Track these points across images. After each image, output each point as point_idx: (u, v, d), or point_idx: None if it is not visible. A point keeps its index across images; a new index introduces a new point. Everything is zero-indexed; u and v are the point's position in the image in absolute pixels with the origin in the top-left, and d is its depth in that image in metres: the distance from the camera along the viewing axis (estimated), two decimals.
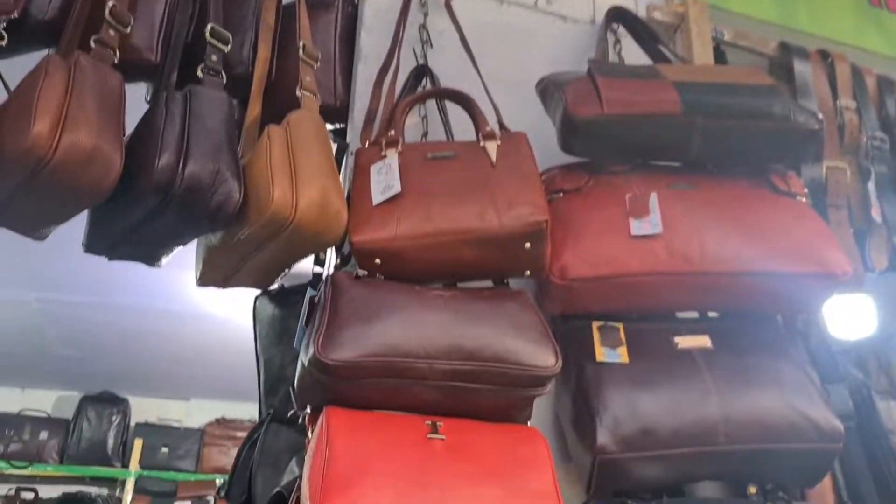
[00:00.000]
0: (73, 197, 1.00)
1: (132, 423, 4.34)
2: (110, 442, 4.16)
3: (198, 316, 3.31)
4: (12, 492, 4.01)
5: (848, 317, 1.47)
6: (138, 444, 4.23)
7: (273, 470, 1.11)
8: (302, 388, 1.03)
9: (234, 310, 3.10)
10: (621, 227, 1.17)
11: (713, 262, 1.16)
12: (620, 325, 1.19)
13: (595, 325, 1.19)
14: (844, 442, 1.17)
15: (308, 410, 1.03)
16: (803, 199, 1.27)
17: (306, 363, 0.99)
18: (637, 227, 1.16)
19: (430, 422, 0.99)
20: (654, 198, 1.19)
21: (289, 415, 1.19)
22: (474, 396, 1.01)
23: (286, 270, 1.22)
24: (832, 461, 1.15)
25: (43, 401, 4.29)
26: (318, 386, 0.99)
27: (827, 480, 1.24)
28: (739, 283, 1.16)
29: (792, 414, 1.10)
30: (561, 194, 1.23)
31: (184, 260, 1.24)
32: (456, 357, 0.99)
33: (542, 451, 1.00)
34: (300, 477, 0.97)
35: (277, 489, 1.06)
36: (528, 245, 1.09)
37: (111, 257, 1.18)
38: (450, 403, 1.01)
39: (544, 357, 1.02)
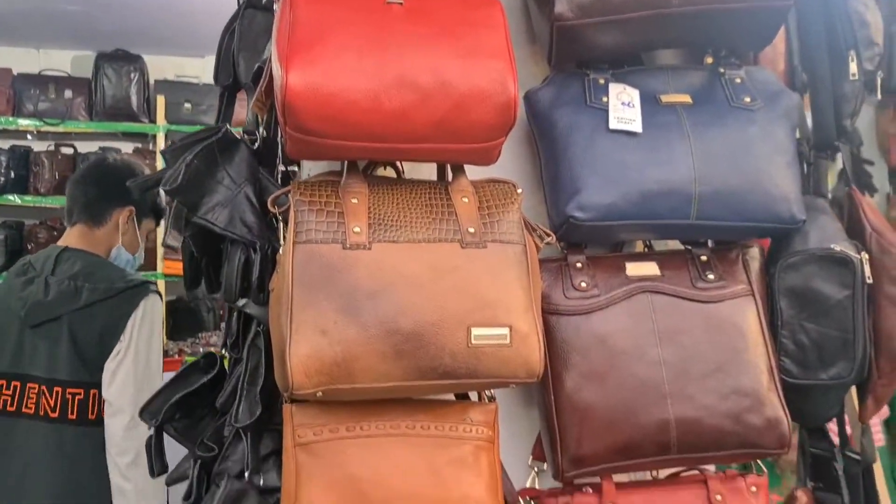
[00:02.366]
0: None
1: (151, 81, 4.45)
2: (134, 98, 4.31)
3: None
4: (52, 147, 4.30)
5: None
6: (161, 100, 4.38)
7: (252, 52, 1.19)
8: None
9: None
10: None
11: None
12: None
13: None
14: (802, 8, 1.21)
15: None
16: None
17: None
18: None
19: None
20: None
21: (263, 1, 1.24)
22: None
23: None
24: (783, 18, 1.19)
25: (60, 61, 4.38)
26: None
27: (781, 45, 1.31)
28: None
29: None
30: None
31: None
32: None
33: (497, 15, 1.06)
34: None
35: (257, 65, 1.15)
36: None
37: None
38: None
39: None
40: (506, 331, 1.01)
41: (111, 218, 2.09)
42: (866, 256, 1.23)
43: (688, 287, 1.21)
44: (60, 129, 4.26)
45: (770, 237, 1.26)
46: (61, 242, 2.09)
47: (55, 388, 1.91)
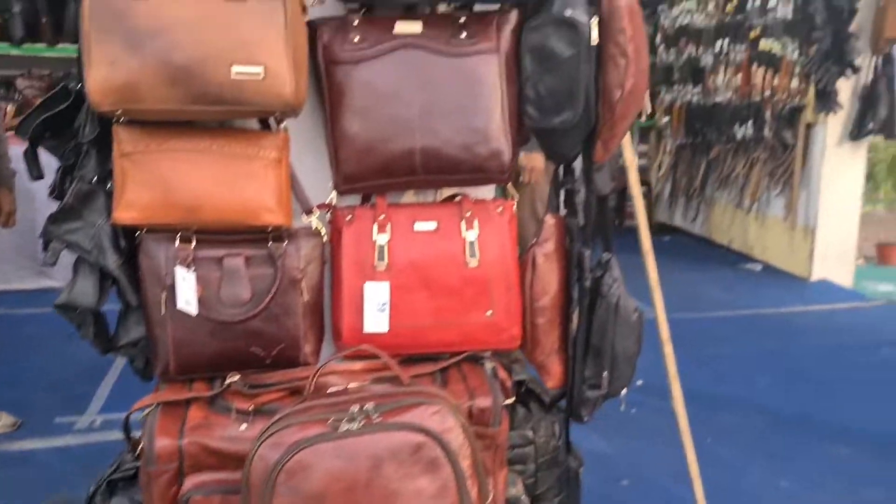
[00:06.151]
0: None
1: None
2: None
3: None
4: None
5: None
6: None
7: None
8: None
9: None
10: None
11: None
12: None
13: None
14: None
15: None
16: None
17: None
18: None
19: None
20: None
21: None
22: None
23: None
24: None
25: None
26: None
27: None
28: None
29: None
30: None
31: None
32: None
33: None
34: None
35: None
36: None
37: None
38: None
39: None
40: (260, 68, 1.31)
41: None
42: (596, 20, 1.46)
43: (443, 44, 1.48)
44: None
45: (505, 1, 1.50)
46: None
47: None
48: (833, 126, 5.44)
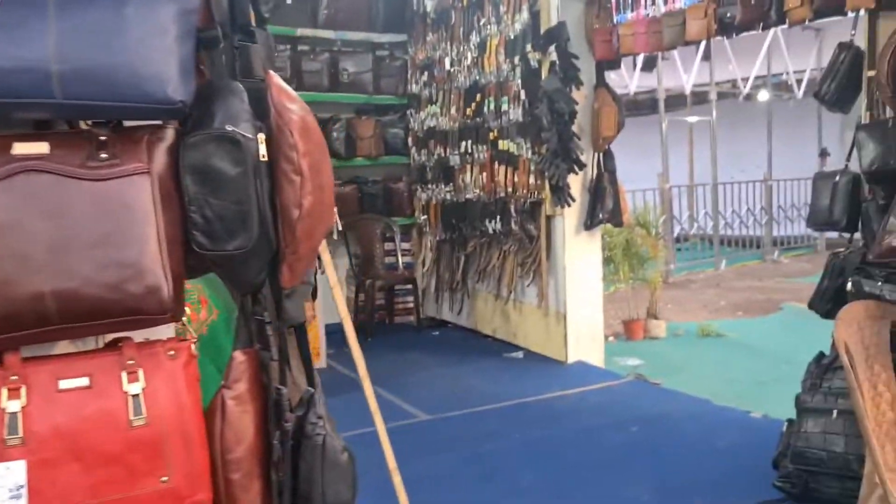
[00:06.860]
0: None
1: None
2: None
3: None
4: None
5: None
6: None
7: None
8: None
9: None
10: None
11: None
12: None
13: None
14: None
15: None
16: None
17: None
18: None
19: None
20: None
21: None
22: None
23: None
24: None
25: None
26: None
27: None
28: None
29: None
30: None
31: None
32: None
33: None
34: None
35: None
36: None
37: None
38: None
39: None
40: None
41: None
42: (263, 137, 1.32)
43: (76, 166, 1.25)
44: None
45: (155, 117, 1.31)
46: None
47: None
48: (569, 217, 5.83)
